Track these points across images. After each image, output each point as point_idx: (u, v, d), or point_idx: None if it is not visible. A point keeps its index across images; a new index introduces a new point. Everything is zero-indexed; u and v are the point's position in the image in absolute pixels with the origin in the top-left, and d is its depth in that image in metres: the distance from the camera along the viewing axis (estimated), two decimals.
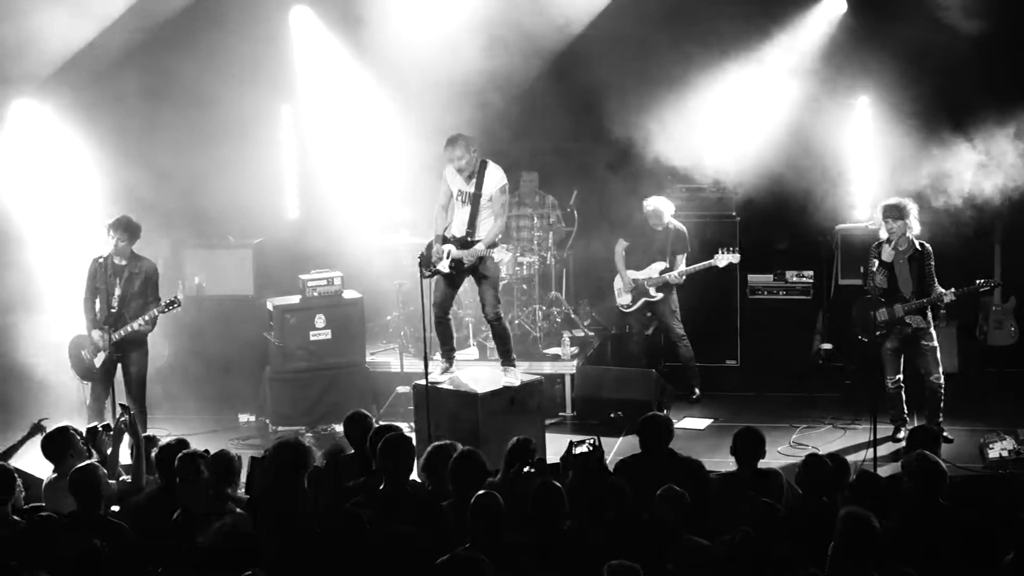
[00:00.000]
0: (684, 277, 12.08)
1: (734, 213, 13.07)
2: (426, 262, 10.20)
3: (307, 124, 13.51)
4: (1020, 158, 11.52)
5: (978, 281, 10.45)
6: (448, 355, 10.54)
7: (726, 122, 12.42)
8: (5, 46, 11.09)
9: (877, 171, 12.54)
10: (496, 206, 10.04)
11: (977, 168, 11.61)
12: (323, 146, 13.33)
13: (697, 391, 12.25)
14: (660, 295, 12.15)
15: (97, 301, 10.46)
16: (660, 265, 12.10)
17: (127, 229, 10.39)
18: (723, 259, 11.98)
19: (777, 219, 13.06)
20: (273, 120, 13.60)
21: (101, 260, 10.44)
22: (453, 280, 10.30)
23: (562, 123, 13.05)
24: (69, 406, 10.88)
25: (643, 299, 12.22)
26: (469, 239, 10.05)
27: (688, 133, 12.37)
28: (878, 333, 10.41)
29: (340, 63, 13.08)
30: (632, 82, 12.68)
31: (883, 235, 10.47)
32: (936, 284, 10.40)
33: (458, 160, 9.94)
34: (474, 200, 10.00)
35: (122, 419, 8.31)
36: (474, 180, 9.98)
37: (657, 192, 12.47)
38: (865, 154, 12.74)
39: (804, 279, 13.00)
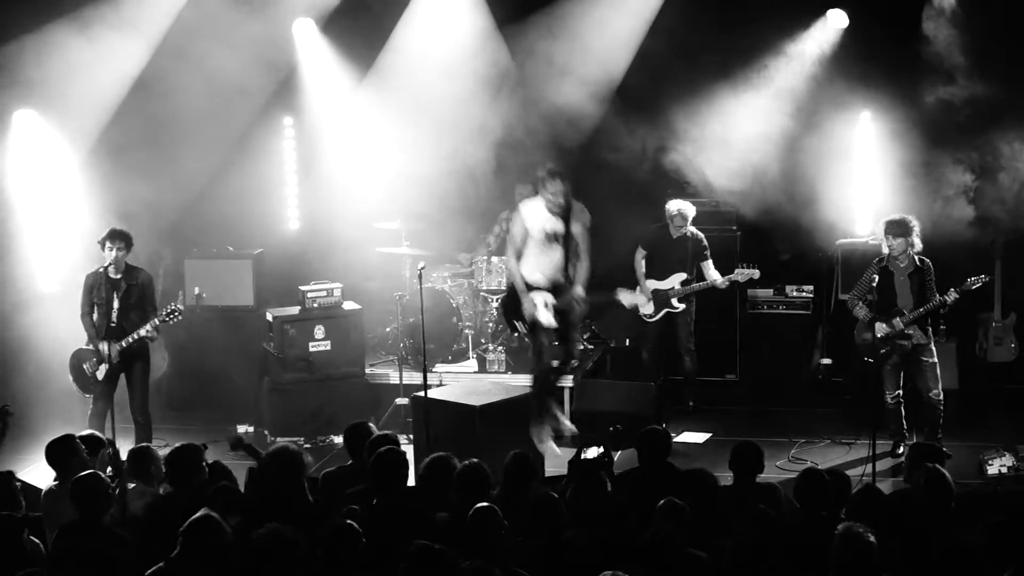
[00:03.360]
0: (729, 282, 11.97)
1: (734, 227, 13.05)
2: (519, 316, 9.93)
3: (308, 135, 13.52)
4: (1021, 173, 11.55)
5: (969, 279, 10.32)
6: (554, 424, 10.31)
7: (727, 136, 12.42)
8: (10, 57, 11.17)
9: (878, 186, 12.54)
10: (584, 244, 9.88)
11: (978, 184, 11.62)
12: (324, 157, 13.34)
13: (692, 404, 12.24)
14: (682, 307, 12.07)
15: (95, 315, 10.46)
16: (681, 276, 12.04)
17: (123, 238, 10.40)
18: (743, 274, 11.87)
19: (777, 233, 13.05)
20: (274, 131, 13.62)
21: (96, 275, 10.43)
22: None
23: (562, 139, 13.07)
24: (72, 418, 10.81)
25: (665, 310, 12.16)
26: (565, 283, 9.84)
27: (689, 147, 12.39)
28: (882, 351, 10.40)
29: (342, 75, 13.10)
30: (633, 97, 12.71)
31: (884, 250, 10.48)
32: (936, 297, 10.39)
33: (556, 196, 9.69)
34: (566, 241, 9.77)
35: (107, 452, 8.24)
36: (562, 219, 9.72)
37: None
38: (866, 169, 12.73)
39: (804, 294, 12.98)
